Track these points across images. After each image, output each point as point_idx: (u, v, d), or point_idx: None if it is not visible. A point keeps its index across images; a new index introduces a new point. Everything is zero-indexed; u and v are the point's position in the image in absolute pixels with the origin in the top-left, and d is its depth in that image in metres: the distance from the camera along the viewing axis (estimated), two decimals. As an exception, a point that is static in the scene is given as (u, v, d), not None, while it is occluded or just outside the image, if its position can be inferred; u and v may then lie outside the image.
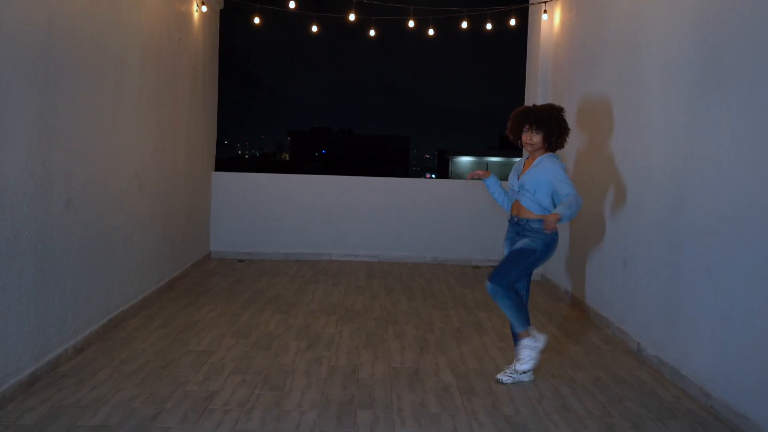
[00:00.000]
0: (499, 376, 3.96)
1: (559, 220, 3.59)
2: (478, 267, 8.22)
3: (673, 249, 4.16)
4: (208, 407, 3.41)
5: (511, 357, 4.39)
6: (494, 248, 8.07)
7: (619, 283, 5.05)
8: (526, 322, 3.93)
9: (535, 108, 3.92)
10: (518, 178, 3.97)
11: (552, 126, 3.87)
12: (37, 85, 3.62)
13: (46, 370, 3.76)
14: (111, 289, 4.78)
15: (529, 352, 3.93)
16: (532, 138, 3.90)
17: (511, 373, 3.95)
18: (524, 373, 3.95)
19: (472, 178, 4.20)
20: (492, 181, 4.15)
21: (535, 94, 7.48)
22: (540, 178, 3.85)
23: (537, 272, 7.40)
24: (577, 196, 3.69)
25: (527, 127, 3.90)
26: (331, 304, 5.89)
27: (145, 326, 4.91)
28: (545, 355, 4.50)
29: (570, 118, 6.47)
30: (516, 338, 4.00)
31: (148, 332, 4.75)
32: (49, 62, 3.74)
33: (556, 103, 7.00)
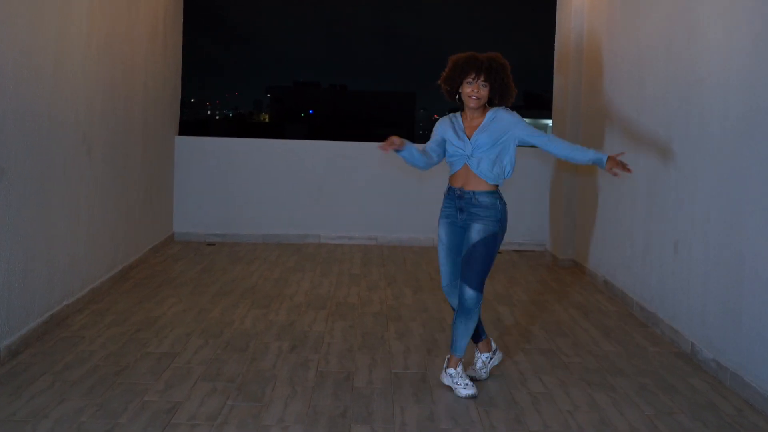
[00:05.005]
0: (472, 374, 4.08)
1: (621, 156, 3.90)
2: (498, 252, 8.18)
3: (736, 228, 4.13)
4: (170, 421, 3.41)
5: (535, 359, 4.42)
6: (517, 229, 8.00)
7: (669, 271, 5.03)
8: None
9: (484, 55, 3.87)
10: (468, 139, 3.90)
11: (502, 79, 3.86)
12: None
13: (-26, 377, 3.76)
14: (53, 279, 4.76)
15: (454, 380, 3.95)
16: (479, 90, 3.85)
17: (480, 367, 4.12)
18: (487, 364, 4.14)
19: (390, 149, 3.76)
20: (407, 151, 3.85)
21: (568, 43, 7.40)
22: (503, 134, 3.87)
23: (568, 258, 7.39)
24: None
25: (474, 76, 3.84)
26: (320, 297, 5.89)
27: (94, 324, 4.90)
28: (578, 359, 4.50)
29: (608, 70, 6.41)
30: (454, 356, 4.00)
31: (97, 331, 4.75)
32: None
33: (593, 53, 7.00)
